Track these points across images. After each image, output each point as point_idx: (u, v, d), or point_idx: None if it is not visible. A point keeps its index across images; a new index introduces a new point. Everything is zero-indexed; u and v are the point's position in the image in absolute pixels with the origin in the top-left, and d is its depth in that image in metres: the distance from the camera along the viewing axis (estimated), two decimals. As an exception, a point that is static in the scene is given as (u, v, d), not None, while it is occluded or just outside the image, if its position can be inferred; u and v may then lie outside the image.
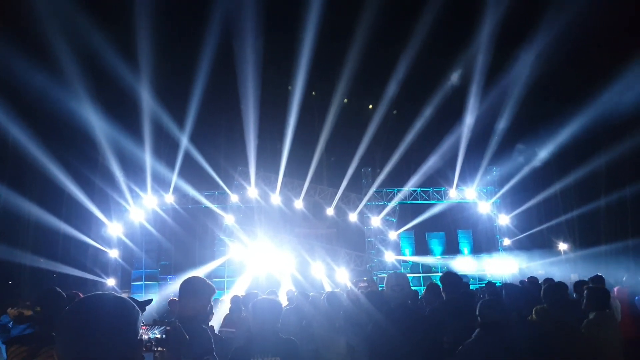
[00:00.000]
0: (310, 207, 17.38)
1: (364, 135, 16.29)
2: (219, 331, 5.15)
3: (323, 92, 18.44)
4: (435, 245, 16.85)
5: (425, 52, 15.47)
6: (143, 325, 1.42)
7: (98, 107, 14.10)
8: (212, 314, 4.88)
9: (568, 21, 13.42)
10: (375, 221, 16.39)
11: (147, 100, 14.54)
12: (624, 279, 6.93)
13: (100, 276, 15.61)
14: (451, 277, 3.76)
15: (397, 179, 17.39)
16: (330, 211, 16.59)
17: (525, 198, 17.08)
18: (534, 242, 17.75)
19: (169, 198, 16.02)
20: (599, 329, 3.50)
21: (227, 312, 5.84)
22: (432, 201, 16.69)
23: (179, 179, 15.71)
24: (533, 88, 15.95)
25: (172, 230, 17.43)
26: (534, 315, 3.50)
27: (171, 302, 6.05)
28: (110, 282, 15.43)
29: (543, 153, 16.83)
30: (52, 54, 12.56)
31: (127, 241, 15.94)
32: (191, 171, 16.23)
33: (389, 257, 16.20)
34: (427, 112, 15.82)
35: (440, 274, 9.57)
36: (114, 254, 15.62)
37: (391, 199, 16.55)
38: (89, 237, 15.58)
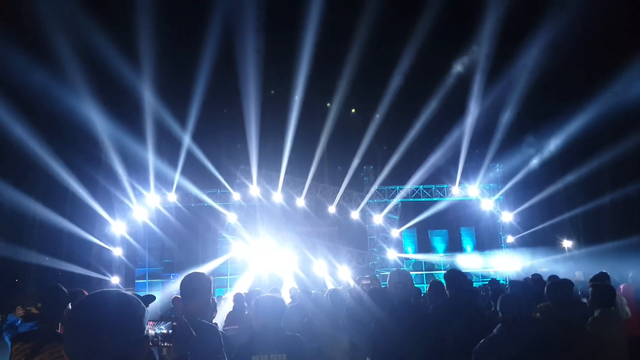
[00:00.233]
0: (312, 205, 17.38)
1: (365, 132, 16.28)
2: (223, 329, 5.17)
3: (324, 90, 18.40)
4: (438, 242, 16.81)
5: (427, 49, 15.43)
6: (150, 321, 1.43)
7: (101, 106, 14.14)
8: (216, 311, 4.90)
9: (573, 17, 13.31)
10: (378, 219, 16.37)
11: (150, 99, 14.58)
12: (629, 276, 6.89)
13: (104, 274, 15.70)
14: (455, 275, 3.74)
15: (399, 176, 17.34)
16: (332, 209, 16.58)
17: (528, 195, 16.95)
18: (538, 240, 17.64)
19: (172, 197, 16.06)
20: (603, 326, 3.48)
21: (230, 309, 5.86)
22: (435, 198, 16.59)
23: (181, 178, 15.76)
24: (537, 84, 15.85)
25: (175, 228, 17.51)
26: (537, 313, 3.49)
27: (174, 300, 6.09)
28: (114, 280, 15.51)
29: (547, 150, 16.72)
30: (54, 53, 12.61)
31: (131, 239, 16.01)
32: (193, 170, 16.28)
33: (392, 254, 16.18)
34: (429, 109, 15.77)
35: (442, 272, 9.55)
36: (117, 252, 15.70)
37: (393, 196, 16.51)
38: (93, 235, 15.66)
